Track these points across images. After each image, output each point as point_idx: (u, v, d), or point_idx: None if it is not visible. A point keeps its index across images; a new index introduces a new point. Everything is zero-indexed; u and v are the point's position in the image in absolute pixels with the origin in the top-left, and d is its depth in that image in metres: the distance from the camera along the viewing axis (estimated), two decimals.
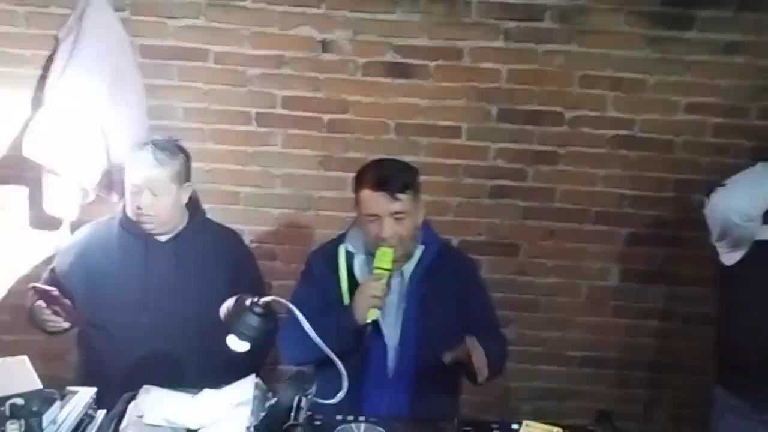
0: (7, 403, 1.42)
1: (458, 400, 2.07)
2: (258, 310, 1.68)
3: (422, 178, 2.48)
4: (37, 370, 2.64)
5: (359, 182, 1.96)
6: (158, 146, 2.16)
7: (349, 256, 2.03)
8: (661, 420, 2.77)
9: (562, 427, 1.74)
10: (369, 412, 1.89)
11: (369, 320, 1.87)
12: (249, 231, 2.65)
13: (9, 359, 1.59)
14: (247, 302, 1.67)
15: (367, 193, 1.93)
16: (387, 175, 1.93)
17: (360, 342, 1.91)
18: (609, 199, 2.64)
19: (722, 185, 2.01)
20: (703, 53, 2.50)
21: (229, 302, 1.68)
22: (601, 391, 2.80)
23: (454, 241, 2.66)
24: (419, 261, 2.00)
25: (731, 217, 1.94)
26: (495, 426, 1.68)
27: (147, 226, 2.14)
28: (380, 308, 1.89)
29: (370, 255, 1.99)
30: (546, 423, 1.65)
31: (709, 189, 2.04)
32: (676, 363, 2.72)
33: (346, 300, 1.97)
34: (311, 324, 1.75)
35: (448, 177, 2.62)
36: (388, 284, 1.93)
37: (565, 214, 2.66)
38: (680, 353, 2.72)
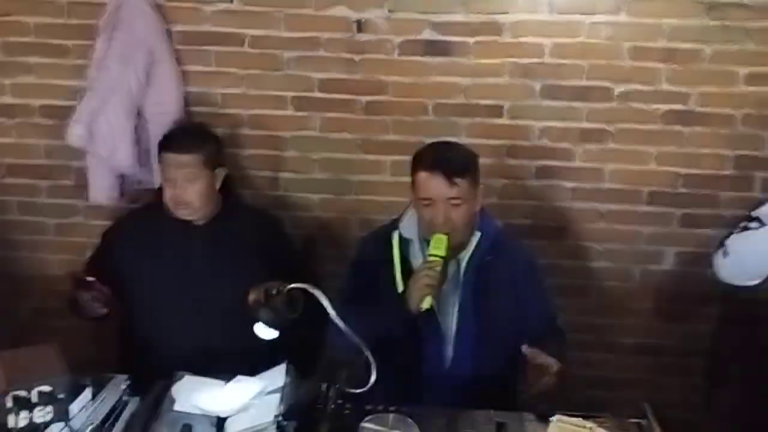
0: (35, 390, 1.44)
1: (516, 391, 1.98)
2: (285, 298, 1.65)
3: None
4: (85, 357, 2.75)
5: (416, 164, 1.91)
6: (187, 132, 2.17)
7: (404, 242, 1.98)
8: (719, 411, 2.62)
9: (605, 420, 1.66)
10: (428, 401, 1.84)
11: (423, 308, 1.82)
12: (288, 217, 2.62)
13: (38, 347, 1.61)
14: (274, 289, 1.64)
15: (423, 176, 1.87)
16: (445, 158, 1.87)
17: (415, 331, 1.86)
18: (662, 178, 2.49)
19: (723, 246, 1.95)
20: (765, 19, 2.30)
21: (255, 291, 1.65)
22: (656, 380, 2.67)
23: (499, 224, 2.57)
24: (475, 249, 1.93)
25: (740, 283, 1.90)
26: (529, 418, 1.60)
27: (181, 213, 2.15)
28: (435, 297, 1.84)
29: (425, 241, 1.93)
30: (586, 416, 1.56)
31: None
32: (735, 351, 2.56)
33: (400, 288, 1.91)
34: (363, 313, 1.72)
35: (490, 158, 2.52)
36: (444, 272, 1.87)
37: (616, 195, 2.52)
38: (741, 341, 2.55)
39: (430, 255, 1.83)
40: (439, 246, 1.83)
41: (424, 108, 2.49)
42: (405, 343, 1.76)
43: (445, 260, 1.83)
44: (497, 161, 2.53)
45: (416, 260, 1.93)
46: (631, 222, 2.54)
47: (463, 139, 2.47)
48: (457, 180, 1.83)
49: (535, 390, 1.69)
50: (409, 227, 1.97)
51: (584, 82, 2.43)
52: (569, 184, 2.54)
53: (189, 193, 2.12)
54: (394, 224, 2.00)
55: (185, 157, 2.11)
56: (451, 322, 1.92)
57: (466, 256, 1.93)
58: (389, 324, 1.78)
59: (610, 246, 2.58)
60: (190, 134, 2.18)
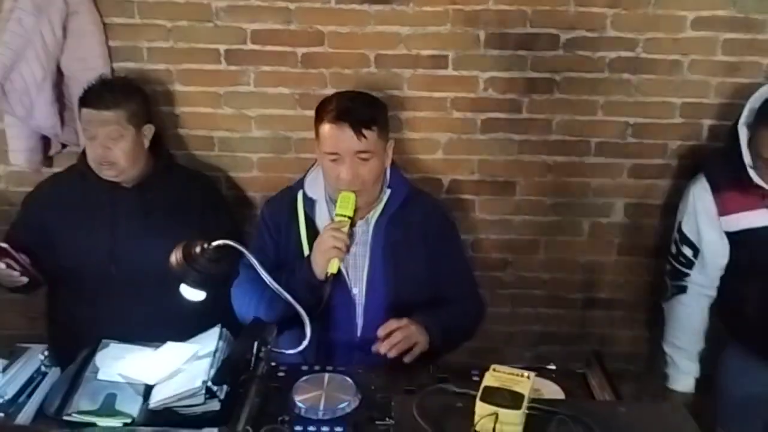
0: None
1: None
2: (210, 255, 1.54)
3: (407, 113, 2.35)
4: (19, 329, 2.61)
5: (320, 115, 1.79)
6: (109, 86, 2.03)
7: (309, 203, 1.86)
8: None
9: (551, 371, 1.61)
10: (339, 365, 1.75)
11: (330, 272, 1.72)
12: (225, 178, 2.51)
13: None
14: (197, 248, 1.53)
15: (327, 128, 1.75)
16: (351, 108, 1.75)
17: (322, 296, 1.75)
18: (611, 128, 2.43)
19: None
20: None
21: (177, 249, 1.54)
22: (605, 333, 2.65)
23: (445, 180, 2.50)
24: (385, 207, 1.83)
25: None
26: (475, 373, 1.54)
27: (108, 173, 2.03)
28: (342, 259, 1.74)
29: (332, 201, 1.82)
30: (531, 367, 1.50)
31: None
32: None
33: (306, 251, 1.80)
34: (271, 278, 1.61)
35: (435, 111, 2.43)
36: (351, 233, 1.77)
37: (564, 147, 2.45)
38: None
39: (337, 215, 1.73)
40: (345, 205, 1.73)
41: (365, 59, 2.38)
42: (314, 310, 1.66)
43: (353, 220, 1.73)
44: (442, 114, 2.44)
45: (322, 221, 1.82)
46: (580, 174, 2.49)
47: (406, 92, 2.40)
48: (366, 132, 1.71)
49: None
50: (313, 186, 1.86)
51: (530, 30, 2.34)
52: (516, 137, 2.46)
53: (114, 152, 2.00)
54: (300, 184, 1.89)
55: (107, 114, 1.98)
56: (361, 286, 1.82)
57: (375, 215, 1.83)
58: (296, 289, 1.67)
59: (559, 199, 2.52)
60: (112, 89, 2.05)
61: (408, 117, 2.43)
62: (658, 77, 2.37)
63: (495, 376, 1.15)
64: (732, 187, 1.98)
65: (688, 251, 2.09)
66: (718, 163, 2.07)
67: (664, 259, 2.47)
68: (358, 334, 1.81)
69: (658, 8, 2.30)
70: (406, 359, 1.59)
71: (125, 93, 2.03)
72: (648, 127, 2.42)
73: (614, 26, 2.33)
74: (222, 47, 2.37)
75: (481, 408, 1.09)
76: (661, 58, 2.35)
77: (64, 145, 2.43)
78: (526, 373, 1.16)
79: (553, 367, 1.62)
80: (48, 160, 2.44)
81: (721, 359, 2.18)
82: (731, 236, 2.02)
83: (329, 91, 2.37)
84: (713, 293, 2.13)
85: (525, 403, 1.09)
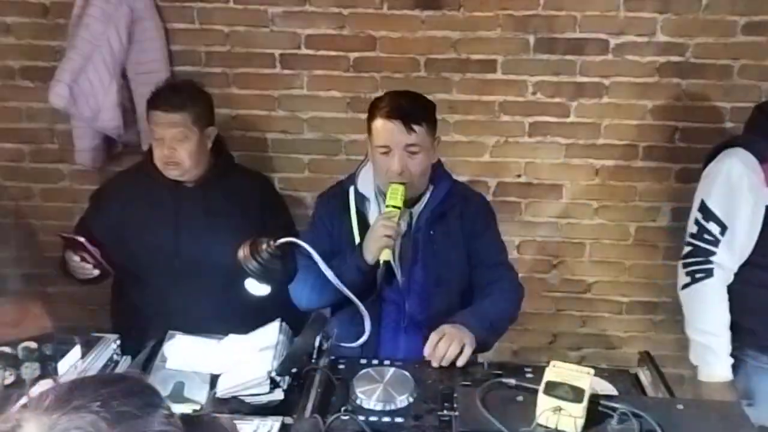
0: (20, 347, 1.41)
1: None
2: (274, 252, 1.61)
3: (456, 116, 2.39)
4: (80, 322, 2.72)
5: (373, 111, 1.87)
6: (176, 89, 2.11)
7: (360, 198, 1.94)
8: None
9: (602, 370, 1.64)
10: (385, 354, 1.81)
11: (382, 260, 1.78)
12: (279, 178, 2.58)
13: (23, 304, 1.58)
14: (263, 245, 1.60)
15: (380, 123, 1.83)
16: (403, 105, 1.83)
17: (373, 284, 1.83)
18: (659, 132, 2.45)
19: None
20: None
21: (245, 246, 1.61)
22: (651, 337, 2.66)
23: (492, 183, 2.54)
24: (428, 202, 1.90)
25: None
26: (528, 370, 1.57)
27: (173, 173, 2.11)
28: (393, 248, 1.80)
29: (381, 196, 1.89)
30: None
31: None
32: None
33: (358, 241, 1.88)
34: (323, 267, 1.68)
35: (483, 115, 2.48)
36: (401, 223, 1.84)
37: (611, 151, 2.49)
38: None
39: (387, 206, 1.80)
40: (395, 196, 1.79)
41: (415, 63, 2.44)
42: (365, 297, 1.73)
43: (402, 211, 1.80)
44: (491, 118, 2.48)
45: (373, 216, 1.89)
46: (627, 178, 2.52)
47: (455, 96, 2.45)
48: (415, 127, 1.79)
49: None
50: (364, 182, 1.94)
51: (579, 35, 2.37)
52: (564, 141, 2.49)
53: (179, 152, 2.08)
54: (351, 180, 1.97)
55: (175, 116, 2.06)
56: (405, 276, 1.89)
57: (418, 210, 1.90)
58: (349, 278, 1.74)
59: (606, 203, 2.55)
60: (180, 92, 2.12)
61: (456, 120, 2.48)
62: (707, 82, 2.38)
63: (555, 372, 1.20)
64: None
65: (714, 228, 1.93)
66: (757, 137, 1.94)
67: None
68: (404, 321, 1.88)
69: (708, 13, 2.32)
70: (459, 363, 1.63)
71: (191, 96, 2.11)
72: (696, 132, 2.43)
73: (664, 31, 2.35)
74: (277, 52, 2.46)
75: (545, 401, 1.14)
76: (711, 62, 2.36)
77: (125, 146, 2.52)
78: (585, 369, 1.20)
79: (605, 366, 1.65)
80: (111, 160, 2.53)
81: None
82: None
83: (380, 94, 2.43)
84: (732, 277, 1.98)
85: (586, 397, 1.13)
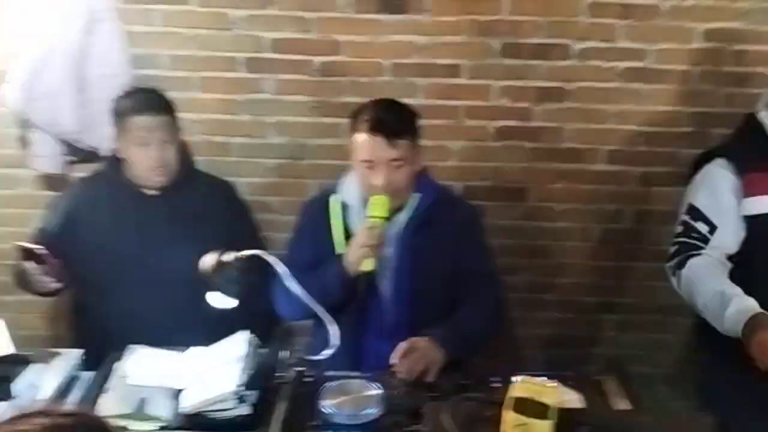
0: None
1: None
2: (240, 264, 1.59)
3: (421, 121, 2.37)
4: (40, 330, 2.65)
5: (354, 124, 1.84)
6: (155, 93, 2.07)
7: (343, 207, 1.93)
8: (677, 364, 2.67)
9: (569, 378, 1.66)
10: (370, 366, 1.82)
11: (365, 270, 1.78)
12: (243, 183, 2.54)
13: None
14: (229, 257, 1.58)
15: (362, 137, 1.81)
16: (385, 118, 1.81)
17: (355, 294, 1.82)
18: (621, 136, 2.48)
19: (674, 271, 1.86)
20: None
21: (209, 258, 1.59)
22: (615, 336, 2.71)
23: (458, 187, 2.54)
24: (414, 210, 1.89)
25: None
26: (495, 380, 1.58)
27: (159, 179, 2.07)
28: (376, 258, 1.80)
29: (365, 204, 1.89)
30: (551, 373, 1.55)
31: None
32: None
33: (341, 251, 1.87)
34: (306, 277, 1.67)
35: (448, 119, 2.48)
36: (384, 234, 1.84)
37: (575, 155, 2.51)
38: None
39: (370, 216, 1.79)
40: (378, 207, 1.79)
41: (381, 68, 2.42)
42: (347, 308, 1.72)
43: (384, 222, 1.80)
44: (456, 122, 2.49)
45: (356, 224, 1.88)
46: (591, 181, 2.54)
47: (420, 100, 2.43)
48: (398, 141, 1.78)
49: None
50: (348, 191, 1.93)
51: (543, 40, 2.39)
52: (528, 145, 2.51)
53: (166, 156, 2.04)
54: (334, 188, 1.96)
55: (162, 119, 2.03)
56: (389, 286, 1.89)
57: (404, 218, 1.90)
58: (331, 288, 1.74)
59: (570, 206, 2.57)
60: (159, 95, 2.09)
61: (422, 125, 2.47)
62: (668, 87, 2.42)
63: (522, 387, 1.20)
64: (756, 169, 1.84)
65: (702, 227, 1.86)
66: (737, 148, 1.91)
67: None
68: (388, 332, 1.87)
69: (668, 20, 2.35)
70: (428, 378, 1.63)
71: (168, 99, 2.08)
72: (658, 136, 2.47)
73: (626, 37, 2.38)
74: (241, 55, 2.42)
75: (511, 418, 1.14)
76: (671, 68, 2.40)
77: (85, 151, 2.46)
78: (551, 384, 1.21)
79: (570, 374, 1.67)
80: (70, 166, 2.47)
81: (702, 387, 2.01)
82: (749, 221, 1.84)
83: (346, 99, 2.43)
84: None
85: (553, 414, 1.14)
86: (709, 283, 1.77)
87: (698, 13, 2.34)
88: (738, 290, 1.72)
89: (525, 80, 2.43)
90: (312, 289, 1.64)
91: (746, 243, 1.85)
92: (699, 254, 1.83)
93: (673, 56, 2.39)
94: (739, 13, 2.33)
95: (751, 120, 1.91)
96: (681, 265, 1.86)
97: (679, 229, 1.92)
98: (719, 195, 1.86)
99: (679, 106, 2.44)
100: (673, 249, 1.92)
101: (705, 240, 1.85)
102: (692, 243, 1.86)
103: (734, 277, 1.81)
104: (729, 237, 1.84)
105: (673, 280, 1.90)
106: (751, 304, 1.67)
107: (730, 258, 1.85)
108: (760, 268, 1.82)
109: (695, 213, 1.89)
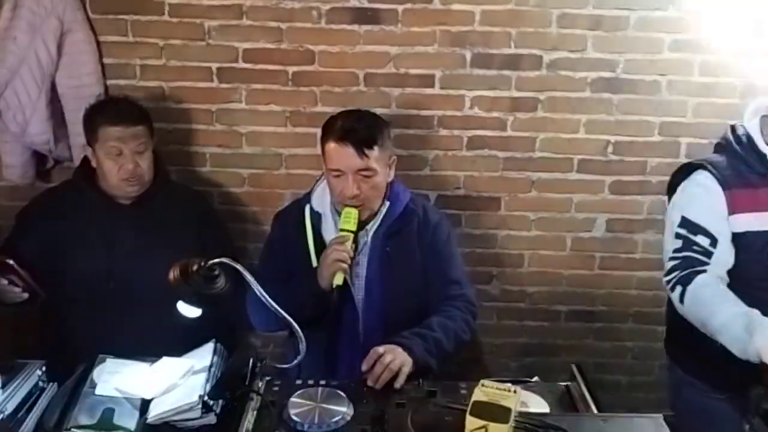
0: None
1: None
2: (207, 273, 1.59)
3: (395, 131, 2.40)
4: (4, 342, 2.61)
5: (325, 134, 1.87)
6: (128, 103, 2.08)
7: (316, 216, 1.94)
8: (651, 371, 2.69)
9: (534, 384, 1.67)
10: (344, 375, 1.83)
11: (335, 284, 1.79)
12: (218, 193, 2.55)
13: None
14: (194, 266, 1.58)
15: (332, 147, 1.82)
16: (355, 129, 1.82)
17: (328, 306, 1.83)
18: (592, 146, 2.51)
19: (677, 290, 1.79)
20: None
21: (175, 268, 1.58)
22: (589, 345, 2.72)
23: (432, 196, 2.56)
24: (384, 219, 1.90)
25: None
26: (463, 386, 1.59)
27: (133, 189, 2.07)
28: (346, 271, 1.81)
29: (338, 213, 1.90)
30: (515, 381, 1.56)
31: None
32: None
33: (314, 262, 1.88)
34: (279, 290, 1.67)
35: (422, 129, 2.50)
36: (355, 245, 1.85)
37: (547, 164, 2.53)
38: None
39: (341, 230, 1.81)
40: (348, 220, 1.81)
41: (354, 78, 2.44)
42: (321, 319, 1.73)
43: (356, 234, 1.80)
44: (429, 132, 2.50)
45: (328, 233, 1.90)
46: (563, 190, 2.56)
47: (394, 110, 2.45)
48: (368, 152, 1.80)
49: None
50: (320, 200, 1.94)
51: (514, 50, 2.41)
52: (501, 154, 2.53)
53: (142, 165, 2.05)
54: (307, 198, 1.97)
55: (137, 128, 2.04)
56: (361, 295, 1.90)
57: (374, 226, 1.91)
58: (304, 300, 1.76)
59: (543, 214, 2.59)
60: (133, 105, 2.11)
61: (396, 134, 2.48)
62: (637, 97, 2.45)
63: (483, 391, 1.21)
64: (740, 185, 1.81)
65: (704, 240, 1.78)
66: (722, 162, 1.86)
67: (644, 271, 2.56)
68: (361, 340, 1.88)
69: (637, 31, 2.39)
70: (396, 385, 1.63)
71: (142, 109, 2.09)
72: (628, 145, 2.51)
73: (595, 47, 2.41)
74: (214, 65, 2.43)
75: (471, 422, 1.15)
76: (640, 78, 2.44)
77: (56, 161, 2.45)
78: (512, 388, 1.22)
79: (537, 380, 1.68)
80: (41, 175, 2.46)
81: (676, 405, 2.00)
82: (734, 238, 1.81)
83: (319, 108, 2.44)
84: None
85: (512, 417, 1.15)
86: (726, 302, 1.68)
87: (666, 24, 2.37)
88: (758, 314, 1.63)
89: (497, 90, 2.45)
90: (284, 302, 1.63)
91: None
92: (705, 270, 1.76)
93: (642, 66, 2.42)
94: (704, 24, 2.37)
95: (735, 132, 1.87)
96: (686, 280, 1.77)
97: (678, 243, 1.83)
98: (713, 208, 1.81)
99: (648, 115, 2.47)
100: (672, 263, 1.83)
101: (708, 254, 1.78)
102: (695, 257, 1.79)
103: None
104: (728, 250, 1.80)
105: (674, 295, 1.80)
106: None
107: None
108: (743, 287, 1.75)
109: (693, 227, 1.82)
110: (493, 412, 1.16)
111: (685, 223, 1.83)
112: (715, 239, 1.79)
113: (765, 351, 1.52)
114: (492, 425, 1.14)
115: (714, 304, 1.69)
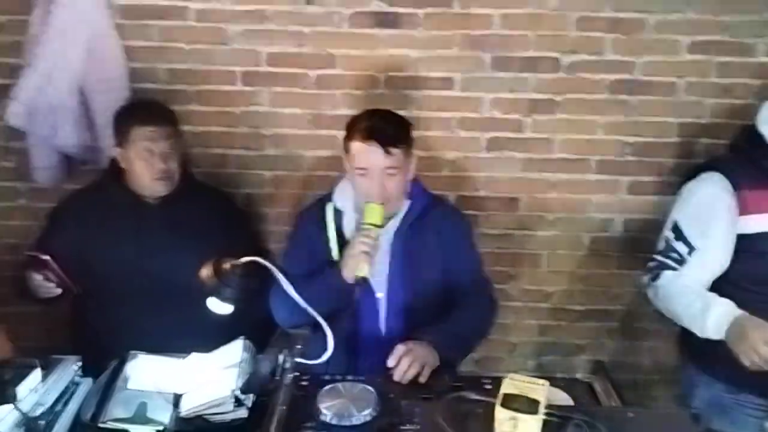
0: None
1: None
2: (238, 271, 1.63)
3: (415, 133, 2.43)
4: (37, 341, 2.67)
5: (351, 132, 1.90)
6: (158, 105, 2.13)
7: (338, 214, 1.98)
8: (668, 371, 2.71)
9: (558, 380, 1.70)
10: (364, 370, 1.87)
11: (360, 276, 1.83)
12: (240, 194, 2.59)
13: None
14: (226, 264, 1.62)
15: (357, 145, 1.86)
16: (380, 128, 1.87)
17: (351, 300, 1.86)
18: (610, 147, 2.54)
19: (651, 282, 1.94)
20: None
21: (208, 265, 1.63)
22: (606, 344, 2.74)
23: (451, 197, 2.59)
24: (405, 216, 1.94)
25: None
26: (487, 381, 1.62)
27: (163, 188, 2.12)
28: (371, 264, 1.84)
29: (360, 212, 1.94)
30: (541, 376, 1.59)
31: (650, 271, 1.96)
32: None
33: (336, 258, 1.92)
34: (302, 285, 1.72)
35: (441, 131, 2.53)
36: (378, 240, 1.88)
37: (565, 165, 2.56)
38: None
39: (365, 223, 1.84)
40: (373, 214, 1.84)
41: (376, 81, 2.48)
42: (343, 313, 1.77)
43: (379, 228, 1.84)
44: (449, 134, 2.54)
45: (350, 231, 1.94)
46: (581, 191, 2.59)
47: (414, 112, 2.48)
48: (393, 150, 1.84)
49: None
50: (342, 198, 1.98)
51: (533, 53, 2.45)
52: (520, 155, 2.56)
53: (172, 164, 2.10)
54: (328, 196, 2.01)
55: (168, 129, 2.11)
56: (382, 292, 1.94)
57: (394, 224, 1.95)
58: (327, 294, 1.79)
59: (561, 215, 2.62)
60: (163, 107, 2.16)
61: (416, 136, 2.51)
62: (655, 98, 2.48)
63: (512, 384, 1.24)
64: (753, 186, 1.83)
65: (682, 248, 1.88)
66: (737, 163, 1.89)
67: None
68: (382, 337, 1.92)
69: (655, 33, 2.41)
70: (421, 380, 1.67)
71: (171, 110, 2.15)
72: (645, 146, 2.53)
73: (613, 50, 2.44)
74: (238, 69, 2.47)
75: (501, 413, 1.18)
76: (658, 80, 2.46)
77: (84, 163, 2.51)
78: (540, 381, 1.25)
79: (560, 375, 1.71)
80: (69, 177, 2.51)
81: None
82: (743, 240, 1.85)
83: (341, 111, 2.49)
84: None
85: (542, 409, 1.19)
86: (686, 290, 1.84)
87: (683, 27, 2.40)
88: (717, 296, 1.77)
89: (516, 92, 2.49)
90: (308, 296, 1.68)
91: (742, 262, 1.86)
92: (675, 269, 1.89)
93: (660, 68, 2.45)
94: (722, 26, 2.39)
95: (750, 132, 1.89)
96: (655, 278, 1.93)
97: (661, 245, 1.95)
98: (707, 215, 1.85)
99: (666, 116, 2.50)
100: (651, 264, 1.97)
101: (681, 261, 1.89)
102: (668, 264, 1.91)
103: (728, 295, 1.80)
104: (710, 259, 1.86)
105: (650, 293, 1.96)
106: (732, 308, 1.72)
107: (723, 276, 1.87)
108: (756, 288, 1.82)
109: (677, 232, 1.91)
110: (523, 403, 1.19)
111: (673, 226, 1.93)
112: (692, 248, 1.86)
113: (718, 330, 1.69)
114: (522, 416, 1.17)
115: (677, 293, 1.85)
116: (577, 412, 1.26)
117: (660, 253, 1.95)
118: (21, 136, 2.45)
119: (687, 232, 1.89)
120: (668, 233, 1.94)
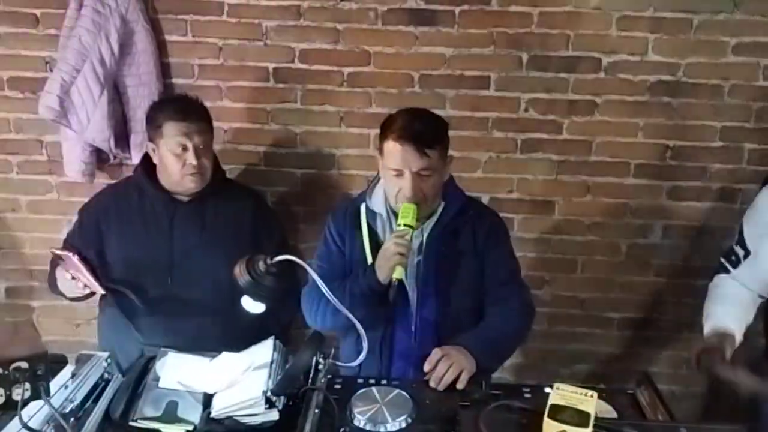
0: (11, 367, 1.38)
1: None
2: (271, 270, 1.59)
3: (449, 132, 2.39)
4: (66, 336, 2.67)
5: (385, 132, 1.85)
6: (193, 101, 2.11)
7: (371, 215, 1.93)
8: (705, 383, 2.63)
9: (601, 390, 1.63)
10: (397, 373, 1.82)
11: (395, 278, 1.78)
12: (271, 192, 2.56)
13: (14, 324, 1.54)
14: (260, 263, 1.58)
15: (392, 146, 1.81)
16: (416, 129, 1.81)
17: (386, 302, 1.82)
18: (650, 150, 2.47)
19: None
20: None
21: (241, 263, 1.59)
22: (641, 353, 2.67)
23: (485, 199, 2.54)
24: (439, 218, 1.89)
25: None
26: (526, 390, 1.56)
27: (194, 184, 2.10)
28: (405, 265, 1.80)
29: (393, 213, 1.89)
30: (582, 386, 1.53)
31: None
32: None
33: (370, 260, 1.88)
34: (335, 286, 1.68)
35: (476, 131, 2.48)
36: (413, 241, 1.84)
37: (603, 168, 2.50)
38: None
39: (399, 224, 1.79)
40: (408, 215, 1.79)
41: (410, 79, 2.43)
42: (376, 316, 1.73)
43: (413, 230, 1.80)
44: (483, 134, 2.49)
45: (384, 233, 1.89)
46: (619, 195, 2.53)
47: (448, 111, 2.44)
48: (428, 151, 1.78)
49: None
50: (376, 200, 1.93)
51: (571, 53, 2.39)
52: (556, 157, 2.50)
53: (205, 161, 2.08)
54: (362, 197, 1.96)
55: (202, 124, 2.09)
56: (415, 294, 1.89)
57: (429, 226, 1.90)
58: (360, 297, 1.75)
59: (597, 219, 2.56)
60: (197, 102, 2.13)
61: (450, 136, 2.47)
62: (698, 101, 2.40)
63: (560, 395, 1.19)
64: None
65: (739, 251, 1.90)
66: None
67: (701, 279, 2.49)
68: (415, 339, 1.87)
69: (699, 34, 2.34)
70: (459, 386, 1.62)
71: (204, 106, 2.12)
72: (687, 150, 2.46)
73: (655, 50, 2.37)
74: (271, 65, 2.44)
75: (550, 425, 1.13)
76: (702, 82, 2.39)
77: (115, 158, 2.50)
78: (589, 393, 1.19)
79: (603, 386, 1.65)
80: (100, 173, 2.50)
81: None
82: None
83: (373, 109, 2.45)
84: (758, 296, 1.91)
85: (591, 422, 1.13)
86: (724, 293, 1.87)
87: (729, 27, 2.32)
88: (721, 311, 1.83)
89: (553, 93, 2.43)
90: (342, 298, 1.64)
91: None
92: (728, 272, 1.90)
93: (704, 70, 2.37)
94: None
95: None
96: (712, 278, 1.95)
97: (726, 248, 1.97)
98: (763, 222, 1.84)
99: (710, 120, 2.42)
100: (717, 264, 1.98)
101: (736, 264, 1.89)
102: (725, 266, 1.92)
103: None
104: (763, 264, 1.83)
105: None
106: (722, 326, 1.78)
107: None
108: None
109: (740, 235, 1.91)
110: (572, 415, 1.13)
111: (740, 230, 1.92)
112: (748, 252, 1.86)
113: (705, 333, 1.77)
114: (571, 429, 1.11)
115: (715, 297, 1.89)
116: (627, 426, 1.19)
117: (723, 255, 1.96)
118: (53, 130, 2.44)
119: (746, 235, 1.88)
120: (736, 235, 1.94)
